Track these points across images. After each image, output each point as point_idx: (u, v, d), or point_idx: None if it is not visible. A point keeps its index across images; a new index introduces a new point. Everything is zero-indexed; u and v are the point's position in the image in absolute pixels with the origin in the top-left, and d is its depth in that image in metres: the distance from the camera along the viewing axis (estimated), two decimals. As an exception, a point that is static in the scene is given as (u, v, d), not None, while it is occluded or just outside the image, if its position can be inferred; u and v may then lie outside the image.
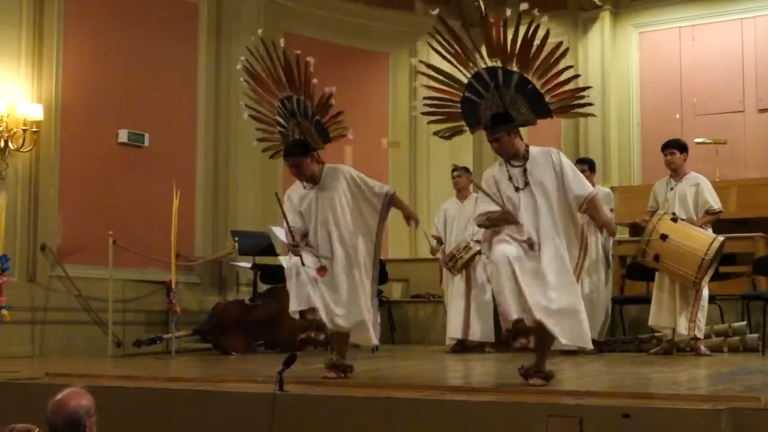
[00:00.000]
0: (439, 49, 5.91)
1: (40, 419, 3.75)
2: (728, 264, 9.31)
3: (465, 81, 5.92)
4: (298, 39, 11.42)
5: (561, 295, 5.62)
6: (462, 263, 9.28)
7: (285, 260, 7.83)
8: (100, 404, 3.85)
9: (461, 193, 9.67)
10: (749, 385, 5.57)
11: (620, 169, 12.21)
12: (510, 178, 5.81)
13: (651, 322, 8.48)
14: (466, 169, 9.76)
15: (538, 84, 5.77)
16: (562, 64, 5.74)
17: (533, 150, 5.87)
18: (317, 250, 6.39)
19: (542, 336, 5.68)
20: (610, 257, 9.00)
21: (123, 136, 10.01)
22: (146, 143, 10.20)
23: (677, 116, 12.00)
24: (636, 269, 9.12)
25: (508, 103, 5.82)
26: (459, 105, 6.01)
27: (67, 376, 6.60)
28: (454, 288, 9.45)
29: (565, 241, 5.74)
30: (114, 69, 10.01)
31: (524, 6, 5.62)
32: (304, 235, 6.44)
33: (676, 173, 8.50)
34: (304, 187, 6.51)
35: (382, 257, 9.97)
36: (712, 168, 10.71)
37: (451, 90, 6.01)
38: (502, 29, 5.69)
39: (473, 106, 5.94)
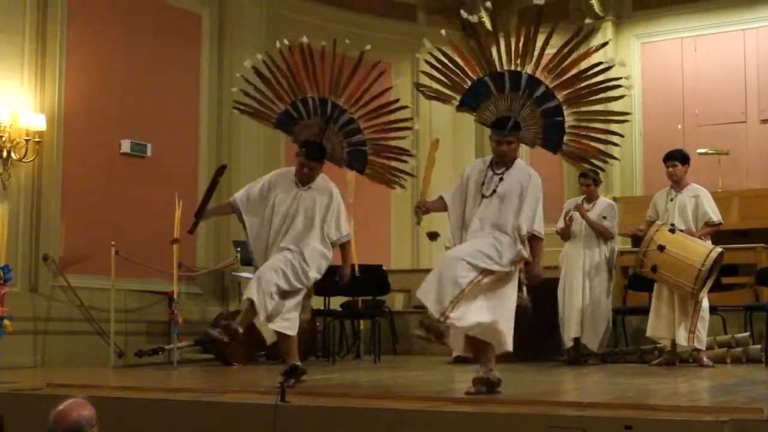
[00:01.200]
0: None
1: (41, 430, 3.75)
2: (730, 275, 9.30)
3: (498, 68, 5.85)
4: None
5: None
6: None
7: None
8: (102, 415, 3.85)
9: None
10: (752, 397, 5.55)
11: (622, 179, 12.19)
12: (483, 184, 5.77)
13: (649, 332, 8.45)
14: None
15: (570, 122, 5.72)
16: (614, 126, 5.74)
17: (518, 162, 5.84)
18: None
19: (477, 343, 5.71)
20: (613, 269, 8.98)
21: (125, 146, 10.02)
22: (149, 153, 10.21)
23: (679, 127, 12.00)
24: (638, 280, 9.10)
25: (523, 116, 5.77)
26: (469, 80, 5.94)
27: (69, 386, 6.58)
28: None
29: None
30: (117, 79, 10.03)
31: (621, 61, 5.64)
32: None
33: (677, 184, 8.49)
34: (296, 184, 6.60)
35: (384, 267, 10.08)
36: (714, 178, 10.71)
37: (475, 64, 5.94)
38: (574, 59, 5.67)
39: (484, 93, 5.88)
